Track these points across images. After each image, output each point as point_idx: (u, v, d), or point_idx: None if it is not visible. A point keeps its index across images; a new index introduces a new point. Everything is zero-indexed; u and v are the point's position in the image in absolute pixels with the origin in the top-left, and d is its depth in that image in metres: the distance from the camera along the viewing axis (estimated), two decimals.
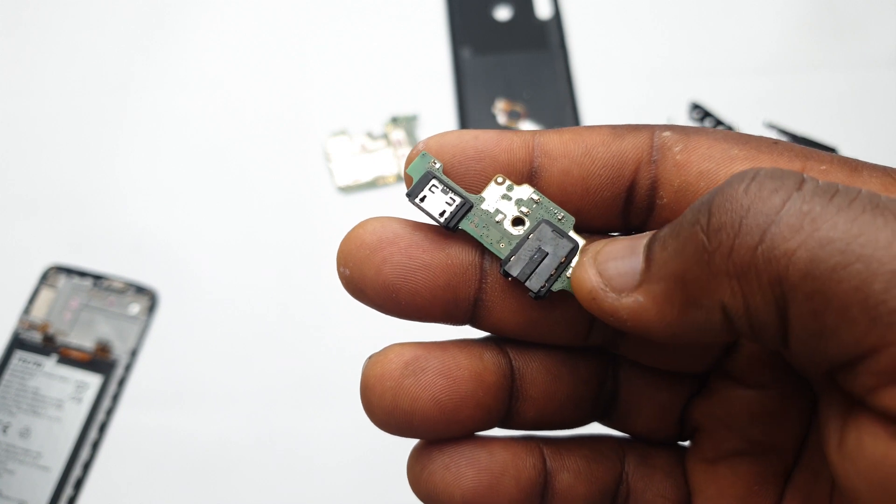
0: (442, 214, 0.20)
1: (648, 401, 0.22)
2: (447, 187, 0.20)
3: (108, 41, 0.57)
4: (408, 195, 0.21)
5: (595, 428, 0.23)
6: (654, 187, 0.20)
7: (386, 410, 0.20)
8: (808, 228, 0.14)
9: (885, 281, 0.13)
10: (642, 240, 0.18)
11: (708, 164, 0.19)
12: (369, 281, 0.21)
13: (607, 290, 0.18)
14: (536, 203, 0.20)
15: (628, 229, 0.21)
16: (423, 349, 0.21)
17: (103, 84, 0.56)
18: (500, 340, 0.22)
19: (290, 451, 0.45)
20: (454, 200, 0.20)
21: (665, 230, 0.17)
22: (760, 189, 0.15)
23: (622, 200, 0.20)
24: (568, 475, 0.21)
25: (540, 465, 0.21)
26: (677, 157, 0.19)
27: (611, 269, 0.18)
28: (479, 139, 0.20)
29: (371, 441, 0.45)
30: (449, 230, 0.21)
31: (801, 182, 0.15)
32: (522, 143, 0.20)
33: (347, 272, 0.22)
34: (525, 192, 0.20)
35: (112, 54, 0.57)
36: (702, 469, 0.22)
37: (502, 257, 0.20)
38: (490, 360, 0.21)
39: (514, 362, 0.21)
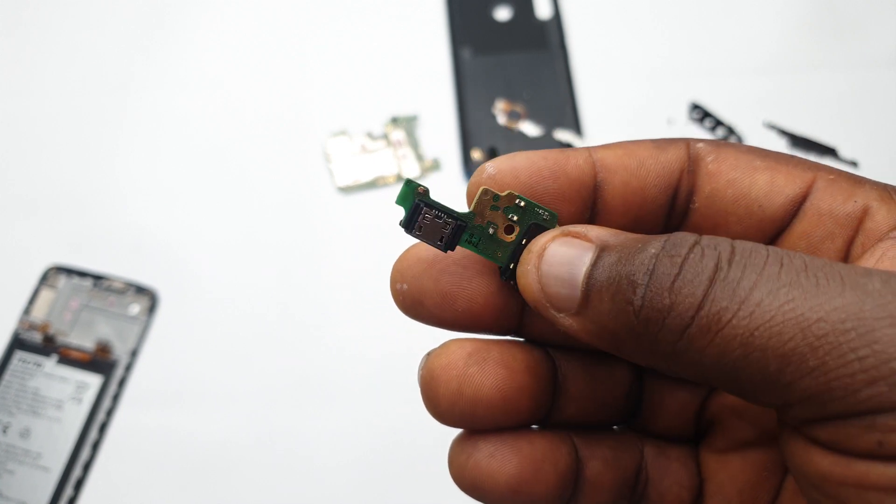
0: (441, 239, 0.21)
1: (670, 399, 0.24)
2: (439, 211, 0.21)
3: (108, 41, 0.57)
4: (403, 227, 0.21)
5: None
6: (690, 194, 0.22)
7: (451, 400, 0.21)
8: (715, 329, 0.17)
9: (777, 363, 0.16)
10: (582, 261, 0.19)
11: (735, 174, 0.21)
12: (429, 292, 0.22)
13: (548, 306, 0.20)
14: (522, 208, 0.21)
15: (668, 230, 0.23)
16: (481, 342, 0.22)
17: (103, 84, 0.56)
18: (541, 342, 0.23)
19: (290, 451, 0.45)
20: (448, 224, 0.21)
21: (603, 277, 0.19)
22: (681, 286, 0.17)
23: (668, 207, 0.22)
24: (597, 463, 0.23)
25: (573, 454, 0.23)
26: (709, 166, 0.22)
27: (552, 287, 0.20)
28: (549, 159, 0.22)
29: (371, 441, 0.46)
30: (449, 250, 0.22)
31: (715, 269, 0.17)
32: (585, 160, 0.22)
33: (405, 287, 0.23)
34: (510, 199, 0.21)
35: (112, 54, 0.57)
36: (714, 459, 0.24)
37: (501, 265, 0.22)
38: (539, 356, 0.23)
39: (556, 361, 0.23)
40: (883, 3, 0.57)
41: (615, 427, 0.25)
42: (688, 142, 0.22)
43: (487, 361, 0.22)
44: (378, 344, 0.47)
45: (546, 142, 0.53)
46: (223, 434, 0.46)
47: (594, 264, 0.19)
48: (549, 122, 0.54)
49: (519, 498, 0.22)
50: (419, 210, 0.21)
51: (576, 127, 0.53)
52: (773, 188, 0.21)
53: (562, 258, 0.20)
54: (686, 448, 0.24)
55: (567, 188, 0.22)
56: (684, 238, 0.18)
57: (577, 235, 0.20)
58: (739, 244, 0.18)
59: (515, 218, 0.21)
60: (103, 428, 0.46)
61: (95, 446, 0.45)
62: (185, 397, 0.46)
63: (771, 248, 0.18)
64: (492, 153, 0.53)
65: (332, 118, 0.54)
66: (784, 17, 0.57)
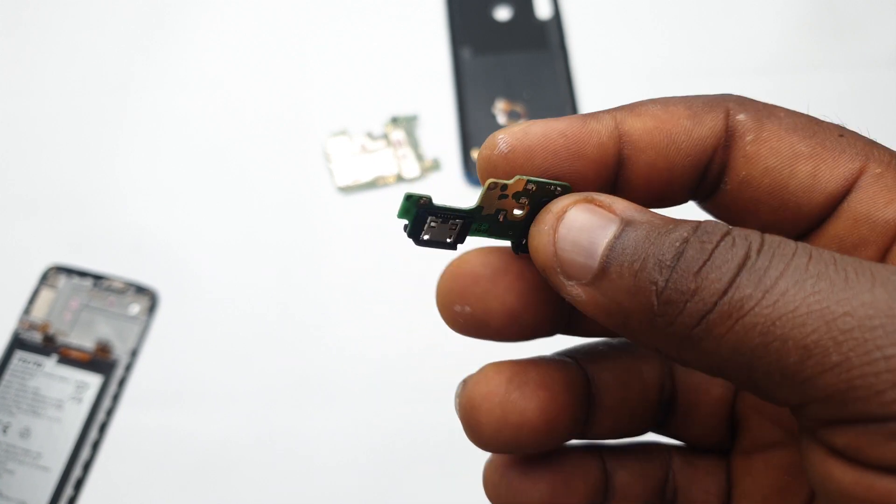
0: (449, 238, 0.20)
1: (704, 397, 0.23)
2: (444, 215, 0.20)
3: (108, 41, 0.57)
4: (410, 237, 0.20)
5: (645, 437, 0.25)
6: (721, 172, 0.20)
7: (495, 428, 0.21)
8: (736, 315, 0.16)
9: (798, 356, 0.16)
10: (604, 231, 0.18)
11: (774, 161, 0.20)
12: (495, 312, 0.21)
13: (558, 271, 0.19)
14: (533, 191, 0.20)
15: (693, 200, 0.22)
16: (518, 365, 0.21)
17: (103, 84, 0.56)
18: (571, 353, 0.23)
19: (290, 451, 0.45)
20: (456, 225, 0.20)
21: (627, 252, 0.18)
22: (709, 272, 0.17)
23: (696, 183, 0.21)
24: (625, 474, 0.23)
25: (601, 466, 0.23)
26: (748, 148, 0.20)
27: (567, 252, 0.18)
28: (569, 137, 0.20)
29: (371, 441, 0.46)
30: (459, 244, 0.21)
31: (745, 258, 0.16)
32: (609, 135, 0.20)
33: (467, 309, 0.22)
34: (519, 184, 0.20)
35: (112, 54, 0.57)
36: (740, 463, 0.23)
37: (511, 242, 0.21)
38: (574, 370, 0.22)
39: (588, 372, 0.22)
40: (883, 3, 0.57)
41: (646, 436, 0.24)
42: (727, 109, 0.20)
43: (528, 385, 0.21)
44: (378, 344, 0.47)
45: None
46: (223, 434, 0.46)
47: (618, 237, 0.18)
48: None
49: None
50: (424, 219, 0.20)
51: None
52: (815, 183, 0.19)
53: (582, 224, 0.18)
54: (713, 458, 0.24)
55: (586, 170, 0.20)
56: (716, 226, 0.17)
57: (601, 205, 0.19)
58: (769, 236, 0.17)
59: (525, 201, 0.20)
60: (103, 428, 0.46)
61: (95, 446, 0.45)
62: (185, 397, 0.46)
63: (800, 243, 0.17)
64: None
65: (332, 118, 0.54)
66: (784, 17, 0.57)
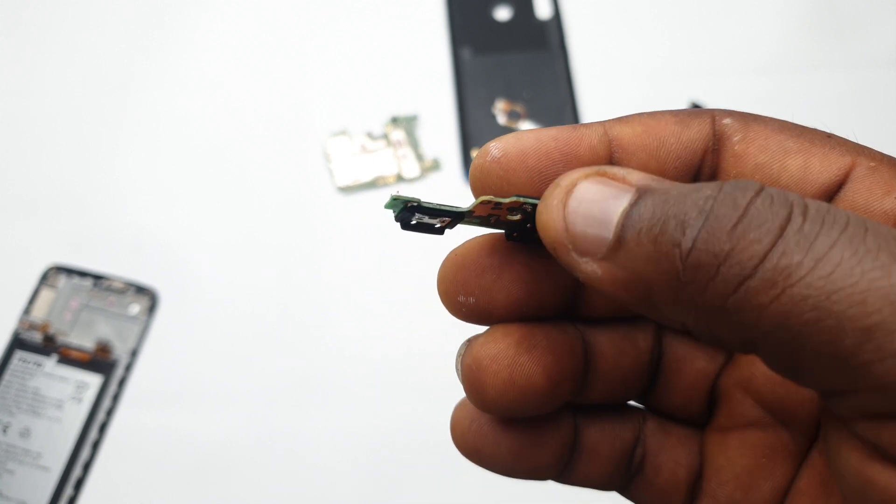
0: (438, 225, 0.20)
1: (687, 368, 0.23)
2: (434, 211, 0.19)
3: (108, 41, 0.57)
4: (399, 222, 0.19)
5: None
6: (713, 176, 0.20)
7: (500, 390, 0.20)
8: (783, 284, 0.14)
9: (855, 337, 0.14)
10: (618, 201, 0.17)
11: (764, 157, 0.19)
12: (500, 302, 0.21)
13: (570, 247, 0.17)
14: (529, 211, 0.19)
15: None
16: (526, 328, 0.21)
17: (103, 84, 0.56)
18: (571, 318, 0.22)
19: (290, 451, 0.45)
20: (445, 221, 0.20)
21: (645, 216, 0.16)
22: (746, 231, 0.15)
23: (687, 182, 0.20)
24: (594, 431, 0.22)
25: (572, 422, 0.22)
26: (736, 147, 0.20)
27: (578, 226, 0.17)
28: (560, 140, 0.20)
29: (370, 440, 0.46)
30: (444, 231, 0.20)
31: (788, 219, 0.15)
32: (600, 139, 0.20)
33: (472, 300, 0.21)
34: (515, 203, 0.19)
35: (112, 54, 0.57)
36: (715, 439, 0.22)
37: (504, 232, 0.20)
38: (573, 334, 0.21)
39: (585, 337, 0.22)
40: (883, 3, 0.57)
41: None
42: (713, 115, 0.20)
43: (536, 348, 0.20)
44: (378, 344, 0.47)
45: None
46: (223, 434, 0.46)
47: (634, 204, 0.17)
48: (549, 122, 0.54)
49: (519, 463, 0.22)
50: (412, 211, 0.19)
51: None
52: (806, 175, 0.19)
53: (594, 195, 0.17)
54: (687, 428, 0.23)
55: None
56: (747, 183, 0.15)
57: (613, 177, 0.17)
58: (815, 200, 0.15)
59: (520, 216, 0.20)
60: (103, 428, 0.46)
61: (95, 446, 0.45)
62: (185, 397, 0.46)
63: (850, 211, 0.15)
64: None
65: (332, 118, 0.54)
66: (784, 17, 0.57)
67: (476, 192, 0.20)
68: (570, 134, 0.20)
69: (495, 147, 0.20)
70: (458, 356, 0.21)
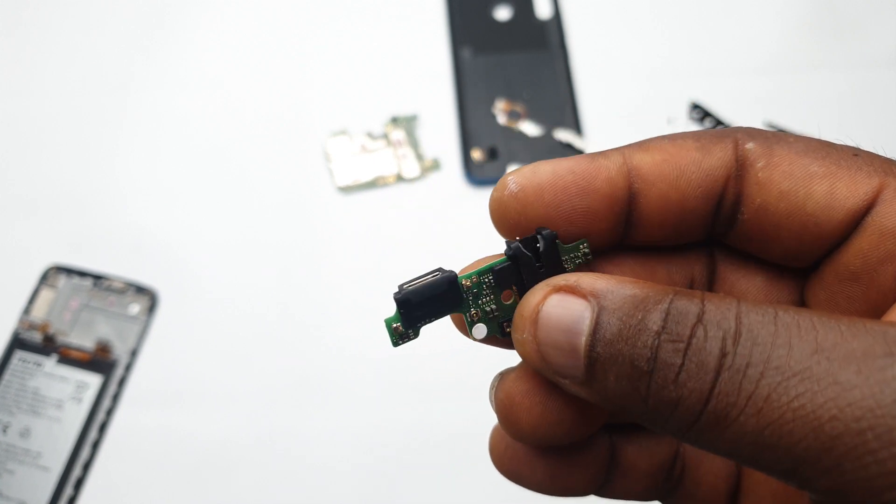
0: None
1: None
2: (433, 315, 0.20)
3: (108, 41, 0.57)
4: (399, 335, 0.21)
5: None
6: (737, 203, 0.20)
7: (534, 424, 0.21)
8: (724, 423, 0.16)
9: (791, 463, 0.15)
10: (581, 324, 0.18)
11: (788, 184, 0.19)
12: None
13: (554, 373, 0.19)
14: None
15: (710, 240, 0.22)
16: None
17: (103, 84, 0.56)
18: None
19: (290, 451, 0.45)
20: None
21: (606, 351, 0.17)
22: (686, 380, 0.16)
23: (712, 216, 0.21)
24: (633, 449, 0.23)
25: (609, 441, 0.23)
26: (759, 174, 0.19)
27: (552, 357, 0.18)
28: (577, 173, 0.20)
29: (370, 441, 0.46)
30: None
31: (722, 356, 0.16)
32: (618, 170, 0.20)
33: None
34: (513, 302, 0.20)
35: (112, 54, 0.57)
36: None
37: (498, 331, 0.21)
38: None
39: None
40: (883, 3, 0.57)
41: None
42: (736, 140, 0.20)
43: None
44: (378, 344, 0.47)
45: (546, 141, 0.53)
46: (223, 434, 0.46)
47: (593, 334, 0.17)
48: (549, 122, 0.54)
49: (556, 483, 0.22)
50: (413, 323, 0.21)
51: (576, 127, 0.53)
52: (833, 201, 0.19)
53: (558, 324, 0.18)
54: None
55: (597, 205, 0.20)
56: (686, 313, 0.17)
57: (570, 290, 0.18)
58: (746, 315, 0.16)
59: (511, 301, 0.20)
60: (103, 428, 0.46)
61: (95, 446, 0.45)
62: (185, 397, 0.46)
63: (780, 313, 0.16)
64: (492, 153, 0.53)
65: (332, 118, 0.54)
66: (784, 17, 0.57)
67: (496, 223, 0.21)
68: (587, 166, 0.20)
69: (513, 181, 0.20)
70: (491, 388, 0.22)
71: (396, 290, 0.20)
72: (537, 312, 0.18)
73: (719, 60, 0.56)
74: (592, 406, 0.21)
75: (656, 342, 0.17)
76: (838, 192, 0.19)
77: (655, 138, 0.21)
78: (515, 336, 0.19)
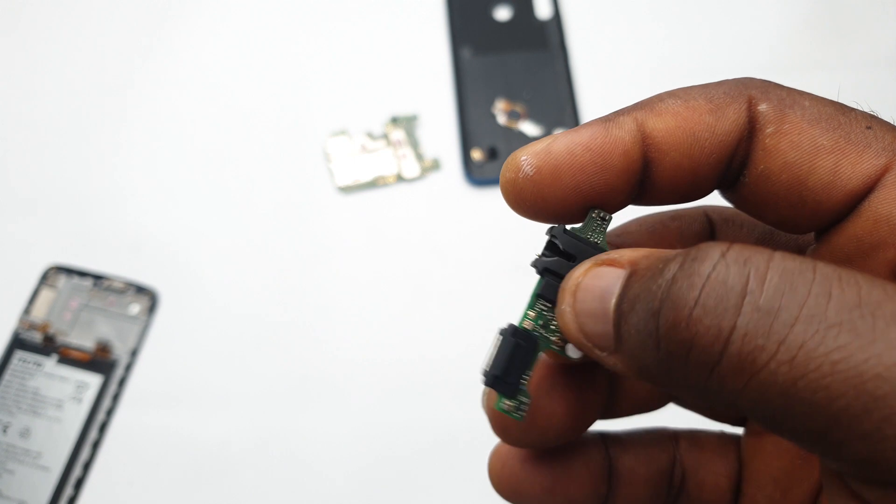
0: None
1: None
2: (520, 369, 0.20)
3: (108, 41, 0.57)
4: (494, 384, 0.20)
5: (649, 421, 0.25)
6: (743, 164, 0.20)
7: (524, 429, 0.21)
8: (749, 371, 0.14)
9: (825, 422, 0.14)
10: (611, 293, 0.17)
11: (793, 155, 0.19)
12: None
13: (592, 346, 0.18)
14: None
15: (720, 189, 0.21)
16: (546, 369, 0.22)
17: (103, 84, 0.56)
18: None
19: (290, 452, 0.45)
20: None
21: (628, 304, 0.17)
22: (701, 315, 0.15)
23: (720, 175, 0.20)
24: (629, 458, 0.23)
25: (604, 452, 0.23)
26: (767, 140, 0.19)
27: (589, 327, 0.18)
28: (594, 150, 0.19)
29: (370, 442, 0.46)
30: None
31: (744, 292, 0.15)
32: (633, 141, 0.19)
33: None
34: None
35: (112, 54, 0.57)
36: (751, 443, 0.23)
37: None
38: (595, 371, 0.22)
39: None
40: (883, 3, 0.57)
41: (649, 421, 0.25)
42: (750, 100, 0.19)
43: (556, 388, 0.21)
44: (378, 345, 0.47)
45: None
46: (223, 434, 0.46)
47: (622, 293, 0.17)
48: (549, 122, 0.54)
49: (555, 498, 0.22)
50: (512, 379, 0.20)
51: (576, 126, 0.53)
52: (835, 179, 0.18)
53: (594, 291, 0.18)
54: (720, 438, 0.24)
55: (614, 179, 0.20)
56: (709, 251, 0.15)
57: (610, 263, 0.18)
58: (778, 260, 0.15)
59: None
60: (103, 428, 0.46)
61: (95, 446, 0.45)
62: (185, 397, 0.46)
63: (819, 266, 0.15)
64: (492, 153, 0.53)
65: (332, 118, 0.54)
66: (784, 17, 0.57)
67: (510, 204, 0.20)
68: (603, 140, 0.19)
69: (528, 163, 0.19)
70: (483, 393, 0.22)
71: (482, 377, 0.20)
72: (577, 284, 0.18)
73: (719, 60, 0.56)
74: (581, 401, 0.21)
75: (670, 277, 0.15)
76: (842, 170, 0.18)
77: (666, 96, 0.20)
78: (557, 310, 0.19)
